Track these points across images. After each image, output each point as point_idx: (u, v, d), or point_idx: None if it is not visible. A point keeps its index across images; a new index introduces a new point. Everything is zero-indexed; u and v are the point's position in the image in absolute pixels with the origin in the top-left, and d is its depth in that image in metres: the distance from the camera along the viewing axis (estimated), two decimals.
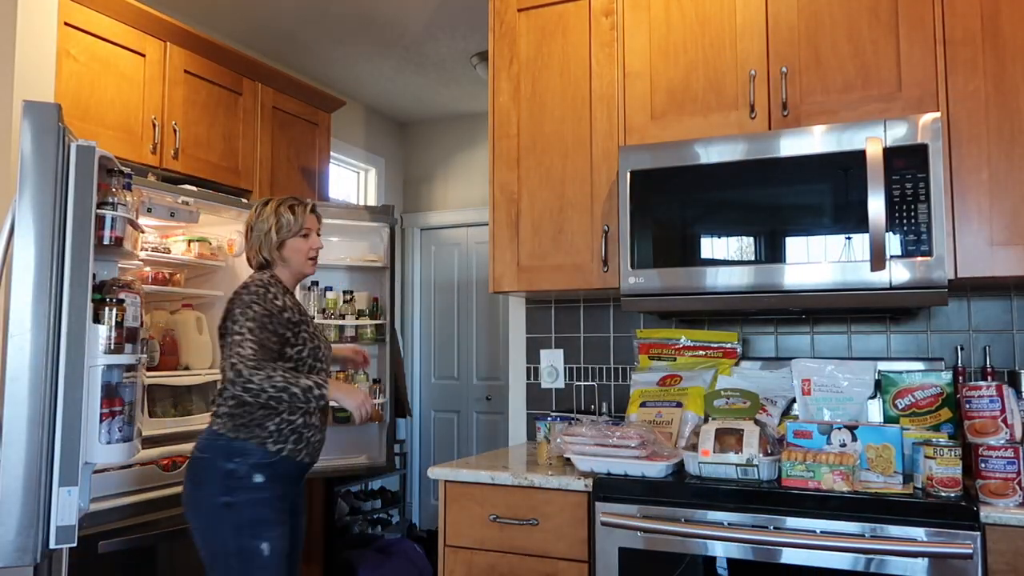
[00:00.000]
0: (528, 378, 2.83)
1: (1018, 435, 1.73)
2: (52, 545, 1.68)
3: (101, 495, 2.33)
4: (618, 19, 2.37)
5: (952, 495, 1.70)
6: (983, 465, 1.72)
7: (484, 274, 5.07)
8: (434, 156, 5.28)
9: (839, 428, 1.86)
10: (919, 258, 1.90)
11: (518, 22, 2.52)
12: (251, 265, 2.29)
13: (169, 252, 2.89)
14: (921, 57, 2.03)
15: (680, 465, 2.00)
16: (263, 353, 2.05)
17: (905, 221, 1.91)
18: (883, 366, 2.24)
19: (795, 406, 2.24)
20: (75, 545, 1.72)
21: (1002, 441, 1.72)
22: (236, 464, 2.06)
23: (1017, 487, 1.68)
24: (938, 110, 2.00)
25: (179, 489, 2.56)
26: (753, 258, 2.05)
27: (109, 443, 1.83)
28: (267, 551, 2.06)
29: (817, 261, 1.99)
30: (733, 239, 2.08)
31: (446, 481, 2.15)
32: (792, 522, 1.76)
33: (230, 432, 2.08)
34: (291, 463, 2.14)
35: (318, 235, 2.32)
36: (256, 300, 2.11)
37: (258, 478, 2.07)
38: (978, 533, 1.63)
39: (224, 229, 3.12)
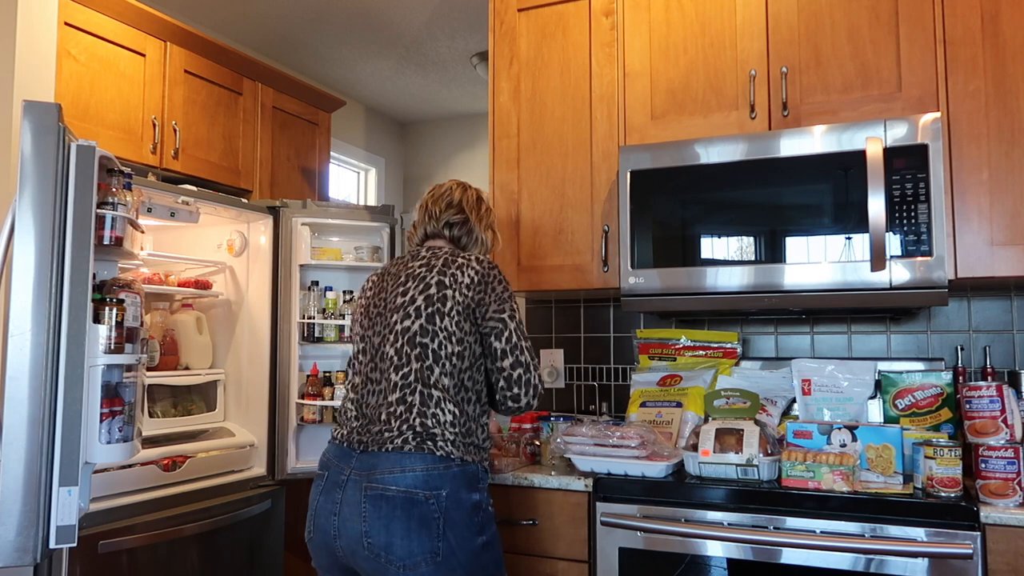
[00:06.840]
0: None
1: (1018, 435, 1.73)
2: (52, 545, 1.68)
3: (101, 495, 2.33)
4: (618, 19, 2.37)
5: (952, 495, 1.70)
6: (983, 465, 1.72)
7: None
8: (434, 156, 5.28)
9: (839, 428, 1.86)
10: (919, 258, 1.90)
11: (518, 22, 2.52)
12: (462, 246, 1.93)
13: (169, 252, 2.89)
14: (921, 57, 2.03)
15: (680, 465, 2.00)
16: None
17: (905, 221, 1.91)
18: (883, 366, 2.25)
19: (795, 406, 2.24)
20: (75, 545, 1.72)
21: (1002, 441, 1.72)
22: (481, 495, 1.67)
23: (1017, 487, 1.68)
24: (938, 110, 2.00)
25: (180, 489, 2.57)
26: (753, 258, 2.05)
27: (109, 443, 1.83)
28: None
29: (817, 261, 1.99)
30: (733, 239, 2.08)
31: None
32: (792, 522, 1.76)
33: (466, 455, 1.66)
34: None
35: None
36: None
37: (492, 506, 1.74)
38: (978, 533, 1.63)
39: (224, 229, 3.12)
